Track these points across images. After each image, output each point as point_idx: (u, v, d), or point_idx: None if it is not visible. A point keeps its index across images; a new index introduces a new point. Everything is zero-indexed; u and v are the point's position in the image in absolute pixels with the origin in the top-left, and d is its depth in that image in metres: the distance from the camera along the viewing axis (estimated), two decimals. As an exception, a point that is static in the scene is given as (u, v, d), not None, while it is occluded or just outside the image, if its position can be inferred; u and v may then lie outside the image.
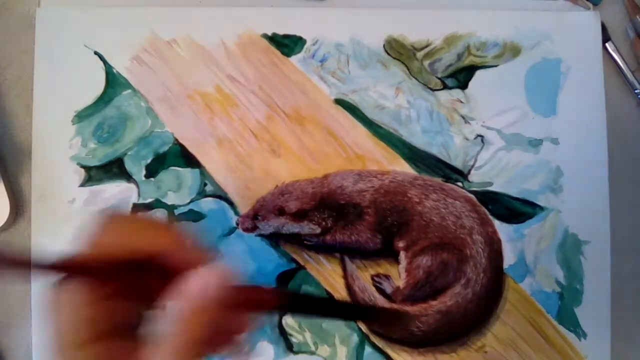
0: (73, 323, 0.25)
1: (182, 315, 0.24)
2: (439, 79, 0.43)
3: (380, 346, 0.41)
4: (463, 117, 0.42)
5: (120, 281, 0.25)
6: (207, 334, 0.24)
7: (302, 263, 0.41)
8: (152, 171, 0.42)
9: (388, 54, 0.43)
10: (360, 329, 0.41)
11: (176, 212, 0.41)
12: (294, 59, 0.43)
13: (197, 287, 0.24)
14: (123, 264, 0.25)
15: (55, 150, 0.42)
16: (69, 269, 0.25)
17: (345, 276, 0.41)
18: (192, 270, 0.25)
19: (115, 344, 0.26)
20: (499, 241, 0.41)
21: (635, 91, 0.43)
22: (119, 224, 0.26)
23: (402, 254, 0.41)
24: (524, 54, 0.43)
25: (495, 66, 0.43)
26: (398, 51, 0.43)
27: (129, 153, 0.42)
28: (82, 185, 0.42)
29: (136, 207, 0.41)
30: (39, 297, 0.41)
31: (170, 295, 0.25)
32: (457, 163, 0.42)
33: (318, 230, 0.41)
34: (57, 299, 0.26)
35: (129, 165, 0.42)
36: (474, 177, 0.42)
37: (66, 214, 0.41)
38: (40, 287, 0.41)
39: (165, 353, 0.24)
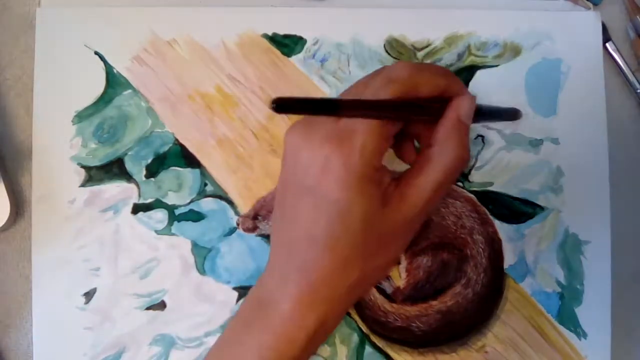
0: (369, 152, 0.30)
1: (456, 132, 0.32)
2: (440, 79, 0.43)
3: (380, 346, 0.41)
4: (463, 117, 0.42)
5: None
6: (468, 152, 0.33)
7: (302, 263, 0.41)
8: (152, 171, 0.42)
9: (389, 53, 0.43)
10: (360, 329, 0.41)
11: (176, 212, 0.42)
12: (295, 59, 0.43)
13: (469, 105, 0.33)
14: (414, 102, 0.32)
15: (56, 150, 0.42)
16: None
17: (346, 276, 0.41)
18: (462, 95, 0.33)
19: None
20: (499, 241, 0.41)
21: (637, 91, 0.43)
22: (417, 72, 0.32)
23: (402, 254, 0.41)
24: (524, 54, 0.43)
25: (496, 66, 0.43)
26: (399, 51, 0.43)
27: (130, 153, 0.42)
28: (82, 185, 0.42)
29: (137, 207, 0.41)
30: (40, 297, 0.41)
31: (445, 120, 0.32)
32: (458, 163, 0.42)
33: (318, 231, 0.41)
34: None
35: (129, 165, 0.42)
36: (475, 177, 0.42)
37: (66, 214, 0.41)
38: (40, 287, 0.41)
39: (439, 168, 0.32)
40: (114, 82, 0.42)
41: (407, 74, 0.31)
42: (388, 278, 0.41)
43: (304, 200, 0.31)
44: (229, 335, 0.34)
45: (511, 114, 0.39)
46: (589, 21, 0.43)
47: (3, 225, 0.40)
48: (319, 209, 0.30)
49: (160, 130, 0.42)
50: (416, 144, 0.36)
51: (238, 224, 0.41)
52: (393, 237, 0.32)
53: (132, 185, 0.42)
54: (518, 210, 0.42)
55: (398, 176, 0.33)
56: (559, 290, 0.41)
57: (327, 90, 0.42)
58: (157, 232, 0.41)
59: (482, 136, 0.42)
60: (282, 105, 0.26)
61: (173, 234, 0.41)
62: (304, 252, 0.31)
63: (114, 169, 0.42)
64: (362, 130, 0.30)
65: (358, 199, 0.30)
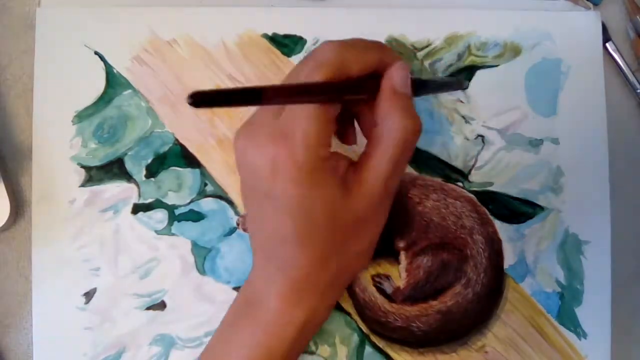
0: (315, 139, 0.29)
1: (392, 101, 0.31)
2: (440, 79, 0.43)
3: (380, 346, 0.41)
4: (463, 117, 0.42)
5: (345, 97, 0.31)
6: (417, 120, 0.32)
7: (302, 263, 0.41)
8: (152, 171, 0.42)
9: (388, 54, 0.43)
10: (360, 329, 0.41)
11: (176, 212, 0.41)
12: (295, 59, 0.42)
13: (401, 73, 0.32)
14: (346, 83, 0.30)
15: (56, 150, 0.42)
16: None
17: (346, 276, 0.41)
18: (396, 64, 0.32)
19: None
20: (499, 241, 0.41)
21: (637, 91, 0.43)
22: (345, 50, 0.31)
23: (402, 254, 0.41)
24: (524, 54, 0.43)
25: (496, 66, 0.43)
26: (399, 51, 0.43)
27: (130, 153, 0.42)
28: (82, 185, 0.42)
29: (137, 207, 0.41)
30: (40, 297, 0.41)
31: (383, 91, 0.32)
32: (458, 163, 0.42)
33: (318, 231, 0.41)
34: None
35: (129, 165, 0.42)
36: (475, 177, 0.42)
37: (66, 214, 0.41)
38: (40, 287, 0.41)
39: (390, 144, 0.31)
40: (114, 82, 0.42)
41: (334, 55, 0.30)
42: (388, 278, 0.41)
43: (264, 205, 0.31)
44: (219, 335, 0.34)
45: (455, 84, 0.40)
46: (589, 21, 0.43)
47: (3, 225, 0.40)
48: (280, 210, 0.30)
49: (160, 130, 0.42)
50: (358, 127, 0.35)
51: (238, 224, 0.41)
52: (364, 222, 0.32)
53: (132, 185, 0.42)
54: (518, 210, 0.42)
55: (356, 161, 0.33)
56: (559, 290, 0.41)
57: (327, 90, 0.42)
58: (157, 232, 0.41)
59: (482, 136, 0.42)
60: (199, 100, 0.24)
61: (173, 234, 0.41)
62: (279, 252, 0.31)
63: (114, 169, 0.42)
64: (302, 123, 0.29)
65: (314, 193, 0.30)
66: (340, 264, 0.32)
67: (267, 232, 0.32)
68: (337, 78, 0.30)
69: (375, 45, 0.33)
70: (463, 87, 0.41)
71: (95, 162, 0.42)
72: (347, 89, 0.31)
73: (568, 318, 0.41)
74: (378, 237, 0.34)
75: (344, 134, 0.36)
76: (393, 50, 0.33)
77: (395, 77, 0.31)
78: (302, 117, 0.29)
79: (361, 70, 0.31)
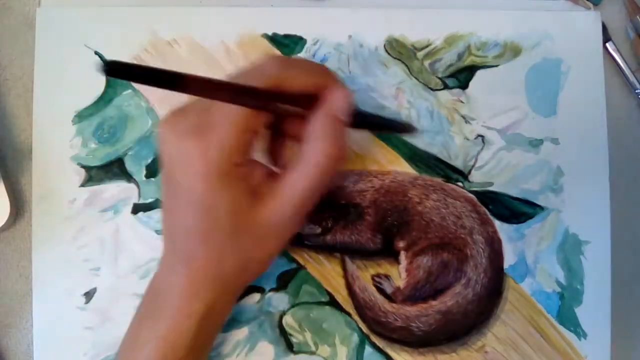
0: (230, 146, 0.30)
1: (329, 126, 0.31)
2: (440, 78, 0.43)
3: (380, 346, 0.41)
4: (463, 117, 0.42)
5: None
6: (344, 149, 0.32)
7: (302, 263, 0.41)
8: (152, 171, 0.42)
9: (388, 54, 0.43)
10: (360, 329, 0.41)
11: (176, 212, 0.41)
12: (295, 59, 0.42)
13: (343, 99, 0.32)
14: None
15: (56, 150, 0.42)
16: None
17: (346, 276, 0.41)
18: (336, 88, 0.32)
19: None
20: (499, 241, 0.41)
21: (636, 91, 0.43)
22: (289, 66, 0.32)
23: (402, 254, 0.41)
24: (525, 54, 0.43)
25: (496, 66, 0.43)
26: (399, 51, 0.43)
27: (130, 153, 0.42)
28: (82, 185, 0.42)
29: (137, 207, 0.41)
30: (40, 297, 0.41)
31: (319, 112, 0.31)
32: (458, 163, 0.42)
33: (318, 231, 0.41)
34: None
35: (129, 165, 0.42)
36: (475, 177, 0.42)
37: (66, 214, 0.41)
38: (40, 287, 0.41)
39: (311, 166, 0.31)
40: (114, 82, 0.42)
41: (277, 69, 0.31)
42: (388, 278, 0.41)
43: (177, 193, 0.31)
44: (130, 331, 0.34)
45: (402, 127, 0.39)
46: (589, 21, 0.43)
47: (3, 225, 0.40)
48: (189, 202, 0.31)
49: (160, 130, 0.42)
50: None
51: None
52: (270, 234, 0.32)
53: (132, 185, 0.42)
54: (518, 210, 0.42)
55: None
56: (559, 290, 0.41)
57: (327, 90, 0.42)
58: (157, 232, 0.41)
59: (482, 136, 0.42)
60: (114, 69, 0.24)
61: (173, 234, 0.41)
62: (183, 243, 0.32)
63: (114, 169, 0.42)
64: (222, 125, 0.29)
65: (220, 194, 0.30)
66: (236, 266, 0.32)
67: (176, 222, 0.32)
68: (271, 90, 0.30)
69: (317, 68, 0.33)
70: (410, 131, 0.39)
71: (95, 162, 0.42)
72: (278, 98, 0.31)
73: (568, 318, 0.41)
74: (280, 250, 0.34)
75: (275, 154, 0.35)
76: (338, 78, 0.33)
77: (337, 101, 0.32)
78: (225, 119, 0.29)
79: (299, 89, 0.31)
